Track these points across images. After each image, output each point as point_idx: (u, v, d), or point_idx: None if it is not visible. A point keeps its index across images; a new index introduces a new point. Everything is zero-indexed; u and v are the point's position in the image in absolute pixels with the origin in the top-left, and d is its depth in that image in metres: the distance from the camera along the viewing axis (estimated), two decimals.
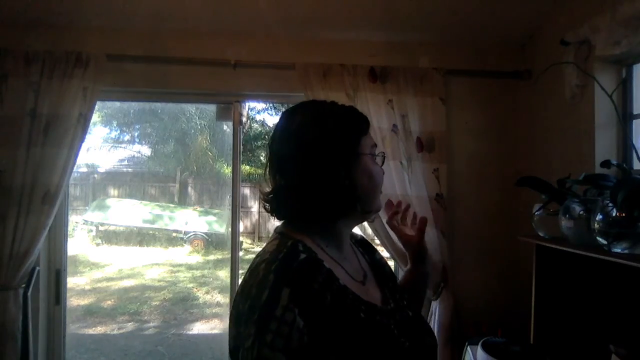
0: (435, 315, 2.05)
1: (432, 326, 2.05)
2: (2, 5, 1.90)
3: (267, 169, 0.86)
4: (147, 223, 8.74)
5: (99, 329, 5.17)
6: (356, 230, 0.97)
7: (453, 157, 2.16)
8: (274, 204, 0.84)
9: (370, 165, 0.85)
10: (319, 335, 0.68)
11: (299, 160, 0.81)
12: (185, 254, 7.82)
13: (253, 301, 0.70)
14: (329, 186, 0.80)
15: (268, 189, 0.85)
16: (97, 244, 8.84)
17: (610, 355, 1.25)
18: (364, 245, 1.02)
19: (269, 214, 0.85)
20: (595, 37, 1.62)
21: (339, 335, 0.70)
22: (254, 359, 0.65)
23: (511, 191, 1.98)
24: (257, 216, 8.45)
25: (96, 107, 2.00)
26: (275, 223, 0.91)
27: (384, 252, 2.14)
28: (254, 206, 8.36)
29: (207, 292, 6.13)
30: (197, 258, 7.61)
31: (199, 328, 5.04)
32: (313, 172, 0.80)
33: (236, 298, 0.75)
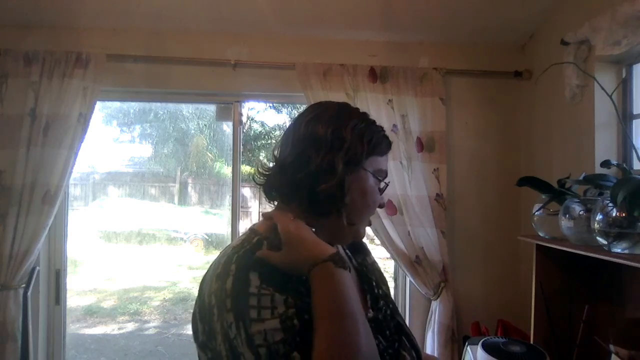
0: (435, 315, 2.05)
1: (432, 326, 2.06)
2: (2, 5, 1.90)
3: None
4: (147, 223, 8.72)
5: (99, 329, 5.17)
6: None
7: (453, 157, 2.17)
8: (265, 180, 0.83)
9: (367, 184, 0.80)
10: (299, 310, 0.65)
11: (302, 139, 0.78)
12: (185, 254, 7.80)
13: (218, 292, 0.67)
14: (316, 173, 0.75)
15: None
16: (97, 244, 8.82)
17: (610, 355, 1.25)
18: (355, 247, 0.96)
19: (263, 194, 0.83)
20: (595, 37, 1.62)
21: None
22: (246, 340, 0.62)
23: (511, 191, 1.98)
24: (257, 216, 8.44)
25: (96, 107, 2.00)
26: None
27: (384, 252, 2.15)
28: (254, 206, 8.35)
29: None
30: (197, 258, 7.60)
31: None
32: (307, 154, 0.76)
33: (198, 295, 0.73)
